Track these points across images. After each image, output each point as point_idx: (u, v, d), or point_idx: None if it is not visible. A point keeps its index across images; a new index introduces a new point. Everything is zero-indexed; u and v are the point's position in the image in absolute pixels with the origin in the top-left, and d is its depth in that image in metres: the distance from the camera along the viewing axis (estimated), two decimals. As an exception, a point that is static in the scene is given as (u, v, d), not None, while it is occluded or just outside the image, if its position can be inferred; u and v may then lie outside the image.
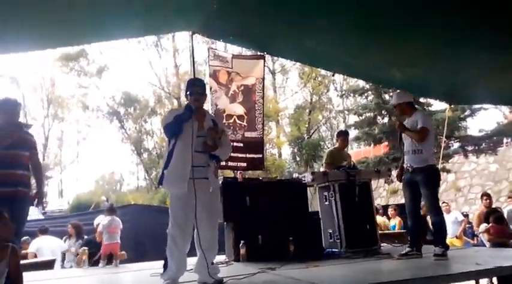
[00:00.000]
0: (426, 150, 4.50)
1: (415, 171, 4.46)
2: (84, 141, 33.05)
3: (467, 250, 4.71)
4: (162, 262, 3.35)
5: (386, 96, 16.07)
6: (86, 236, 7.49)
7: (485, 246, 6.43)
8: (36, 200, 4.08)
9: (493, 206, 7.70)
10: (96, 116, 30.61)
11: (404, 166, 4.64)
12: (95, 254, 5.64)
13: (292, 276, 3.41)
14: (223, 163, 6.26)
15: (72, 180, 42.57)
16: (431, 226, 5.44)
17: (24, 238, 6.98)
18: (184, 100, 24.09)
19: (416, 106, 5.11)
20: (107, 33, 5.44)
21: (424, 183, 4.41)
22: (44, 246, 6.82)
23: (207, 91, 6.77)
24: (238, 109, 6.61)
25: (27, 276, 3.88)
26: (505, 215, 7.54)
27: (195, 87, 3.54)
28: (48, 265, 5.78)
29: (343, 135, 6.48)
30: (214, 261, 3.48)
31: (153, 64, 34.78)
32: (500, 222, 6.23)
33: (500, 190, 15.93)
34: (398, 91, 4.92)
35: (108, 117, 30.39)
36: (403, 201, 5.00)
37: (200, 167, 3.37)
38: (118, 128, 30.81)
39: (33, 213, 15.92)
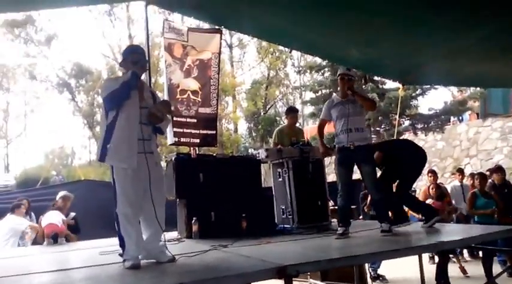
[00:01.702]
0: (366, 129, 4.60)
1: (357, 149, 4.42)
2: (32, 113, 31.63)
3: (412, 226, 4.91)
4: (116, 241, 3.26)
5: (342, 74, 16.29)
6: (32, 213, 7.25)
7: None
8: None
9: (438, 182, 8.04)
10: (45, 87, 29.35)
11: (339, 145, 4.55)
12: None
13: (243, 253, 3.42)
14: (175, 139, 6.20)
15: (19, 154, 40.79)
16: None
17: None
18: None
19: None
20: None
21: (366, 160, 4.42)
22: None
23: (162, 65, 6.60)
24: (192, 84, 6.47)
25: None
26: (449, 190, 7.94)
27: (138, 54, 3.39)
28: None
29: (292, 112, 6.48)
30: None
31: (106, 34, 33.54)
32: (440, 199, 6.53)
33: (445, 167, 16.70)
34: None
35: (58, 89, 29.18)
36: (356, 176, 5.04)
37: (146, 140, 3.27)
38: (69, 100, 29.68)
39: (-24, 189, 15.22)
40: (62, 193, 6.24)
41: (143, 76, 3.53)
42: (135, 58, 3.33)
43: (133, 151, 3.14)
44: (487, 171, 8.61)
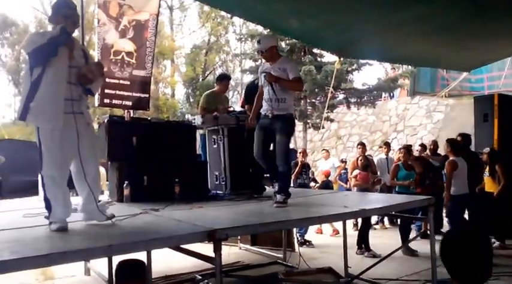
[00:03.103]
0: (289, 99, 4.48)
1: (275, 117, 4.37)
2: None
3: (337, 194, 5.19)
4: (42, 203, 3.15)
5: (283, 44, 16.34)
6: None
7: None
8: None
9: (367, 154, 8.47)
10: (-37, 38, 26.95)
11: (262, 112, 4.51)
12: None
13: (175, 217, 3.45)
14: (107, 100, 6.01)
15: None
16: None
17: None
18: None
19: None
20: None
21: (282, 129, 4.38)
22: None
23: (95, 23, 6.28)
24: (127, 45, 6.27)
25: None
26: (375, 162, 8.40)
27: (70, 9, 3.18)
28: None
29: (225, 79, 6.40)
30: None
31: (34, -16, 31.22)
32: (365, 169, 6.90)
33: (375, 140, 17.55)
34: (264, 34, 4.86)
35: (-22, 41, 26.95)
36: (290, 146, 5.09)
37: (75, 100, 3.14)
38: (-9, 54, 27.55)
39: None
40: None
41: (75, 34, 3.35)
42: (67, 13, 3.13)
43: (58, 111, 3.00)
44: (419, 145, 9.19)
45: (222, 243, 2.78)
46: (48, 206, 3.10)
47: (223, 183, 5.23)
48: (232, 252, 6.40)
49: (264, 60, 4.69)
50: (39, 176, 3.13)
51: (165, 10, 25.01)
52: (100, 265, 4.90)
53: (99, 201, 3.28)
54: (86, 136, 3.20)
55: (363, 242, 6.34)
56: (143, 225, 3.20)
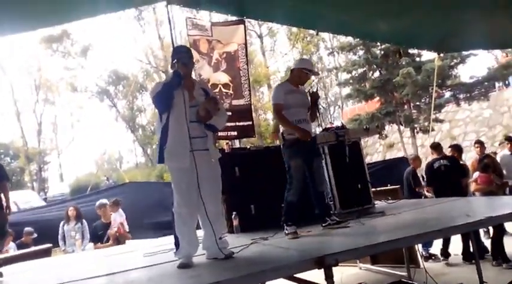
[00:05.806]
0: None
1: (312, 140, 4.28)
2: (78, 123, 32.86)
3: (458, 201, 4.71)
4: (159, 242, 3.32)
5: (377, 51, 15.81)
6: (84, 220, 7.52)
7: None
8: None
9: (489, 152, 7.63)
10: (87, 97, 30.44)
11: (295, 136, 4.16)
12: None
13: (283, 245, 3.39)
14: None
15: (71, 163, 42.68)
16: None
17: (28, 228, 7.09)
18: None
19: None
20: (86, 10, 5.17)
21: (319, 153, 4.39)
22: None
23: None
24: (222, 77, 6.47)
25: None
26: (498, 161, 7.52)
27: (181, 53, 3.42)
28: (45, 252, 5.79)
29: None
30: (222, 235, 3.40)
31: (137, 38, 34.35)
32: (485, 170, 6.11)
33: (495, 135, 15.95)
34: (303, 57, 4.70)
35: (98, 97, 30.24)
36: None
37: (197, 138, 3.25)
38: (109, 107, 30.68)
39: (34, 200, 16.03)
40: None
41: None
42: (177, 57, 3.38)
43: (185, 150, 3.16)
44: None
45: (341, 264, 2.64)
46: (176, 242, 3.24)
47: (331, 202, 5.05)
48: (353, 273, 6.13)
49: (288, 83, 4.54)
50: (171, 213, 3.29)
51: (256, 39, 25.80)
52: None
53: (221, 238, 3.30)
54: (208, 173, 3.26)
55: (498, 252, 5.65)
56: (252, 256, 3.19)
